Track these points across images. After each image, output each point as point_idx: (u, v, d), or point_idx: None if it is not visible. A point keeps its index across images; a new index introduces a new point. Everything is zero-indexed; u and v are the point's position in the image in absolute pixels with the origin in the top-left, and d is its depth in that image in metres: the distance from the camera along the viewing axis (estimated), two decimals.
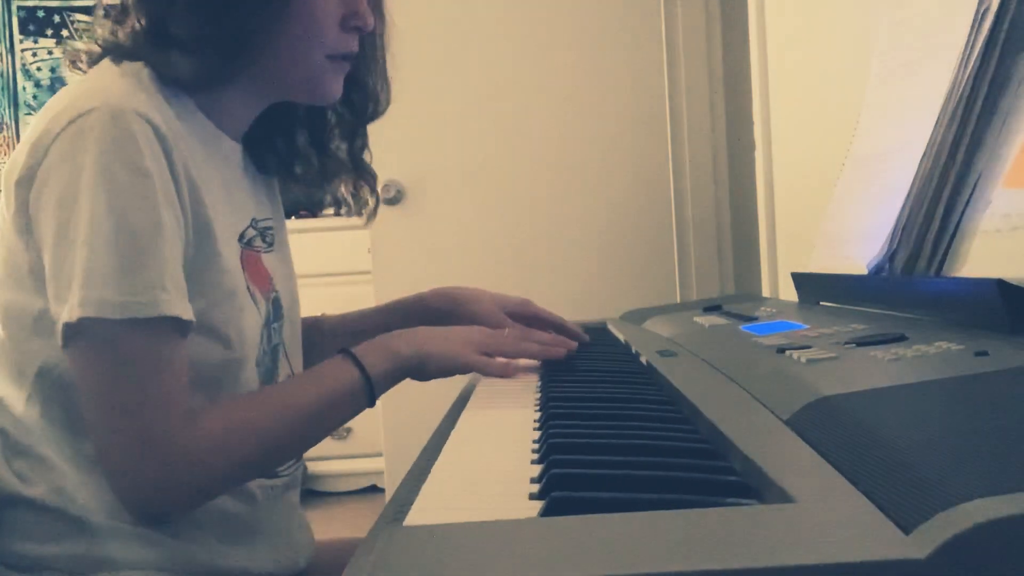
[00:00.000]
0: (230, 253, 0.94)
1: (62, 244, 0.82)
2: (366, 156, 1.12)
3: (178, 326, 0.84)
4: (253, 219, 1.02)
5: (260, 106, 1.01)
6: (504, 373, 1.01)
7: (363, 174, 1.12)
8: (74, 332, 0.81)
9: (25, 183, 0.85)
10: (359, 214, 1.13)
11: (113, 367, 0.83)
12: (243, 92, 0.97)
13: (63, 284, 0.82)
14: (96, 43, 0.95)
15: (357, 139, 1.10)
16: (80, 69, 0.96)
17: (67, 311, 0.81)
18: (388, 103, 1.09)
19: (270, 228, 1.05)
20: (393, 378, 0.97)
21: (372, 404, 0.96)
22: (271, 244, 1.05)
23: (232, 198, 0.98)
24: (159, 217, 0.83)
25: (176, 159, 0.86)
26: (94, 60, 0.95)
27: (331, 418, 0.94)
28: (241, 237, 0.98)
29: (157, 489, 0.85)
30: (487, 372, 1.01)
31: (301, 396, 0.93)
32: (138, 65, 0.91)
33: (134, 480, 0.84)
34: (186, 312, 0.84)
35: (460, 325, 1.13)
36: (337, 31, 0.96)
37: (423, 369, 0.99)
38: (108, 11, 0.95)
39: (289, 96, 1.01)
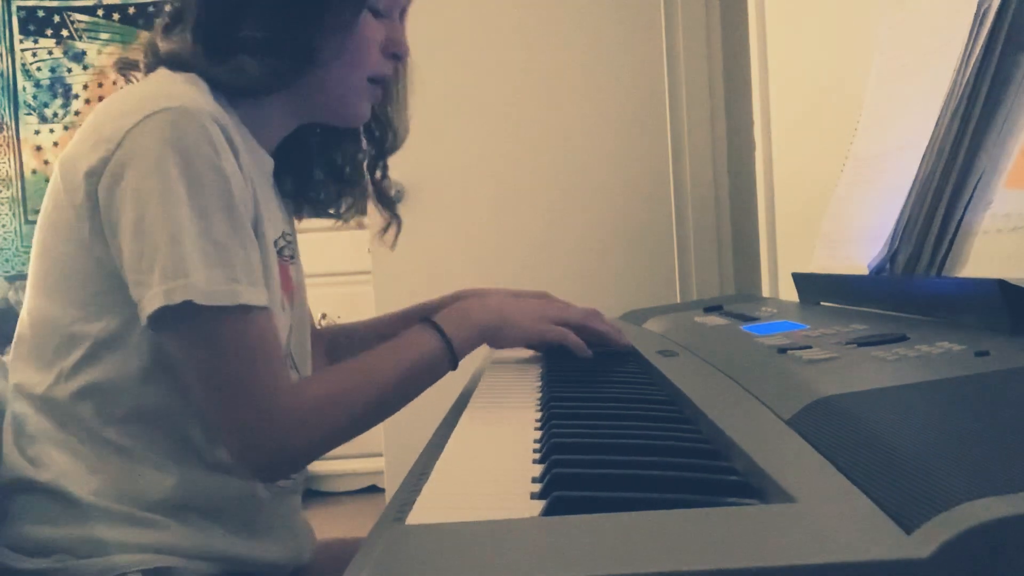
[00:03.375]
0: (273, 261, 0.97)
1: (144, 234, 0.85)
2: (387, 186, 1.16)
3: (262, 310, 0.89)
4: (283, 232, 1.05)
5: (293, 124, 1.05)
6: (581, 349, 1.05)
7: (385, 202, 1.16)
8: (173, 316, 0.84)
9: (95, 174, 0.87)
10: (381, 240, 1.18)
11: (218, 348, 0.87)
12: (283, 107, 1.01)
13: (145, 271, 0.85)
14: (149, 53, 0.98)
15: (378, 169, 1.15)
16: (132, 79, 0.99)
17: (162, 295, 0.83)
18: (407, 133, 1.14)
19: (291, 242, 1.08)
20: (472, 344, 1.02)
21: (454, 368, 1.00)
22: (292, 257, 1.08)
23: (270, 208, 1.01)
24: (237, 211, 0.88)
25: (243, 164, 0.91)
26: (149, 69, 0.98)
27: (416, 384, 0.98)
28: (274, 245, 1.01)
29: (272, 452, 0.90)
30: (565, 343, 1.05)
31: (390, 365, 0.97)
32: (194, 75, 0.94)
33: (251, 447, 0.89)
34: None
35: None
36: (379, 55, 1.01)
37: (500, 336, 1.04)
38: (168, 26, 0.98)
39: (322, 115, 1.05)
